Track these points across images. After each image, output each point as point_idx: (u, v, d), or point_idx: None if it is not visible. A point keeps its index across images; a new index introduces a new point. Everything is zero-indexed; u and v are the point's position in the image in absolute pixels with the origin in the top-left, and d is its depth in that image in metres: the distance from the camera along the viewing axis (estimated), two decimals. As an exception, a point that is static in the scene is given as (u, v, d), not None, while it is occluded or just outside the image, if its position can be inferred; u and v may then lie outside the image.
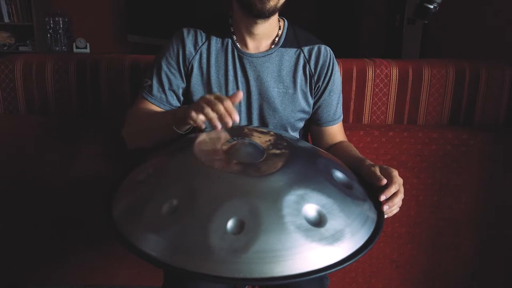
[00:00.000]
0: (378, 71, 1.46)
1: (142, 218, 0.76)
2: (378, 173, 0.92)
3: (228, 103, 0.84)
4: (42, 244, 1.57)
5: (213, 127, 0.85)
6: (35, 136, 1.47)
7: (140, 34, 3.87)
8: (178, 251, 0.70)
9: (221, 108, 0.83)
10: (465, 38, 2.48)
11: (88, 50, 4.03)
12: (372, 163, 0.97)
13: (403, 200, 0.91)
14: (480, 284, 1.57)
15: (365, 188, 0.91)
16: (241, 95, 0.88)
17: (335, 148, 1.18)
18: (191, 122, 0.87)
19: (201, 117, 0.85)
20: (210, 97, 0.85)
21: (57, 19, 3.90)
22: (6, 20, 3.78)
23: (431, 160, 1.45)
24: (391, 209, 0.90)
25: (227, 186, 0.77)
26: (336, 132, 1.22)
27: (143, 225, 0.75)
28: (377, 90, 1.47)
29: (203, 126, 0.88)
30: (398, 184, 0.90)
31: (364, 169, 0.96)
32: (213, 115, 0.83)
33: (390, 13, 3.36)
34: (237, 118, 0.84)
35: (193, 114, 0.85)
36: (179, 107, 1.15)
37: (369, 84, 1.47)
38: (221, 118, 0.83)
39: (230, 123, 0.83)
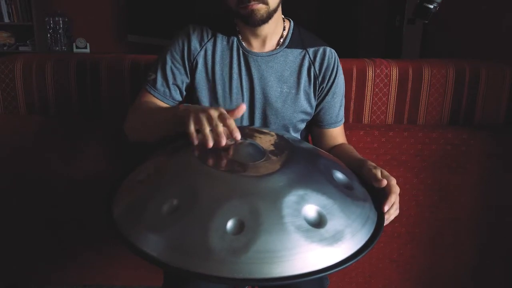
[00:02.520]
0: (378, 71, 1.46)
1: (142, 218, 0.76)
2: (379, 175, 0.92)
3: (231, 122, 0.82)
4: (42, 244, 1.57)
5: (205, 144, 0.82)
6: (35, 136, 1.46)
7: (140, 34, 3.87)
8: (178, 251, 0.70)
9: (219, 129, 0.81)
10: (465, 38, 2.48)
11: (88, 50, 4.03)
12: (373, 164, 0.97)
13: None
14: (480, 284, 1.57)
15: (365, 189, 0.91)
16: (244, 108, 0.87)
17: (336, 150, 1.18)
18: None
19: (195, 129, 0.84)
20: (214, 114, 0.82)
21: (57, 19, 3.90)
22: (6, 20, 3.78)
23: (431, 160, 1.45)
24: (389, 218, 0.90)
25: (227, 186, 0.76)
26: (337, 134, 1.23)
27: (143, 225, 0.75)
28: (377, 90, 1.47)
29: (195, 142, 0.84)
30: (396, 194, 0.90)
31: (365, 170, 0.96)
32: (209, 134, 0.82)
33: (390, 13, 3.36)
34: (238, 136, 0.82)
35: (191, 126, 0.83)
36: (180, 103, 1.15)
37: (369, 84, 1.47)
38: (215, 138, 0.82)
39: (223, 144, 0.82)
